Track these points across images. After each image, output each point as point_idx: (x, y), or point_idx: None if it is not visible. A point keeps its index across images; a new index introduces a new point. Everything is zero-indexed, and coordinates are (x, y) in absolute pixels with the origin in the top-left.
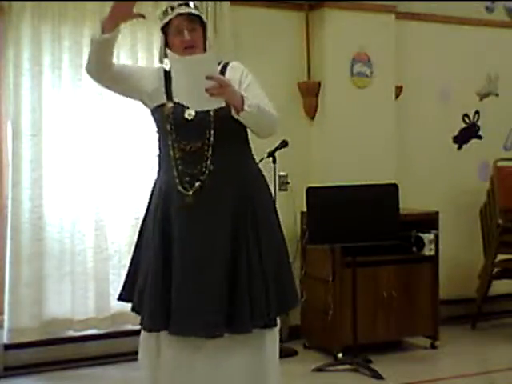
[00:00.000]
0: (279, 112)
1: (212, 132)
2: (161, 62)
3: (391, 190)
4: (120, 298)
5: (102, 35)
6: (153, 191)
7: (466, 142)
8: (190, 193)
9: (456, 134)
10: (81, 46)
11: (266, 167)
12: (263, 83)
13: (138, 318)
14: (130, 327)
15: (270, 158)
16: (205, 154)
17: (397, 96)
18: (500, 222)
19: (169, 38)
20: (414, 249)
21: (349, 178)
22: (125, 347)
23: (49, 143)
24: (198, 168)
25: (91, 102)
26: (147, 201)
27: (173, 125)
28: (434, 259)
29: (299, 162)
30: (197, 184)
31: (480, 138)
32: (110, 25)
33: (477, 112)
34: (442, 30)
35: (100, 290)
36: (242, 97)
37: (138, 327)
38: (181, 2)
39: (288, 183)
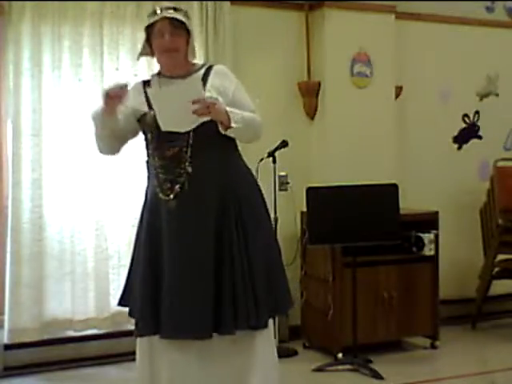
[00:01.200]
0: (279, 112)
1: (191, 135)
2: (138, 58)
3: (391, 190)
4: (120, 304)
5: (103, 117)
6: (144, 199)
7: (466, 142)
8: (171, 197)
9: (456, 134)
10: (81, 46)
11: (265, 167)
12: (263, 83)
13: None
14: (129, 327)
15: (270, 158)
16: (183, 157)
17: (397, 96)
18: (500, 221)
19: (151, 39)
20: (414, 249)
21: (349, 177)
22: (125, 347)
23: (49, 143)
24: (176, 172)
25: (91, 102)
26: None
27: (153, 133)
28: (434, 259)
29: (299, 162)
30: (176, 187)
31: (480, 138)
32: (109, 112)
33: (477, 112)
34: (442, 29)
35: (100, 289)
36: (228, 113)
37: None
38: (169, 6)
39: (288, 183)
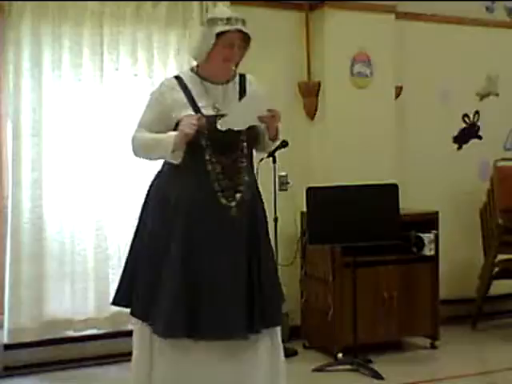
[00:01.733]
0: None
1: (245, 145)
2: (197, 54)
3: (391, 190)
4: (117, 303)
5: (172, 154)
6: (161, 203)
7: (466, 141)
8: (233, 204)
9: (456, 134)
10: (81, 46)
11: (265, 167)
12: (263, 83)
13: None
14: (129, 327)
15: (270, 158)
16: (239, 167)
17: (397, 96)
18: (500, 222)
19: (215, 45)
20: (414, 249)
21: (349, 177)
22: (125, 347)
23: (49, 143)
24: (235, 180)
25: (91, 101)
26: (150, 212)
27: (209, 139)
28: (434, 259)
29: (299, 162)
30: (238, 195)
31: (480, 138)
32: (181, 146)
33: (477, 112)
34: (442, 29)
35: (100, 290)
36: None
37: None
38: (239, 17)
39: (288, 183)
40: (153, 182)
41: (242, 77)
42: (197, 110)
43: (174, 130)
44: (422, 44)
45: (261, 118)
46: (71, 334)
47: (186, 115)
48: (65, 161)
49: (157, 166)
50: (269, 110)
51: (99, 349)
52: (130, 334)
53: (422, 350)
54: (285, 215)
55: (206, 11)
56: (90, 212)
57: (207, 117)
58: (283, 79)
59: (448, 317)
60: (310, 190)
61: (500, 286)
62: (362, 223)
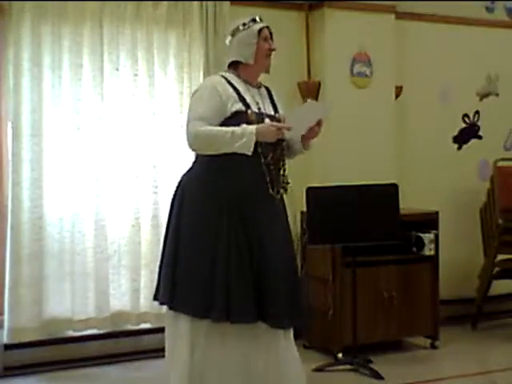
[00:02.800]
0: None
1: (284, 144)
2: (248, 54)
3: (391, 190)
4: (166, 303)
5: (250, 142)
6: (210, 196)
7: (466, 142)
8: (278, 196)
9: (456, 134)
10: (81, 46)
11: None
12: (263, 83)
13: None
14: (129, 327)
15: None
16: (280, 164)
17: (397, 96)
18: (500, 222)
19: (257, 43)
20: (414, 249)
21: (349, 178)
22: (125, 347)
23: (49, 143)
24: (279, 175)
25: (91, 101)
26: (191, 207)
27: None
28: (433, 259)
29: (299, 162)
30: (281, 190)
31: (480, 138)
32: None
33: (477, 112)
34: (442, 29)
35: (100, 290)
36: None
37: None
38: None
39: (288, 183)
40: (189, 179)
41: (268, 89)
42: (246, 105)
43: (227, 122)
44: (422, 44)
45: (312, 128)
46: (71, 333)
47: (268, 123)
48: (65, 161)
49: (158, 165)
50: (318, 122)
51: (99, 349)
52: (129, 334)
53: (421, 349)
54: None
55: (206, 11)
56: (89, 212)
57: (255, 113)
58: (283, 79)
59: (448, 317)
60: (309, 190)
61: (500, 286)
62: (362, 223)
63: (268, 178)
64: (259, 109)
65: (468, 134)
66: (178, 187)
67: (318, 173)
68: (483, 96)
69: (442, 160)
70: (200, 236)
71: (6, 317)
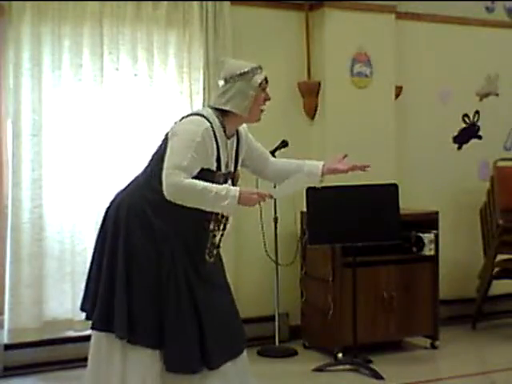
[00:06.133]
0: (279, 112)
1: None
2: (244, 107)
3: (391, 190)
4: (125, 336)
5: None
6: (151, 233)
7: (466, 142)
8: (212, 261)
9: (456, 134)
10: (81, 46)
11: None
12: None
13: None
14: None
15: None
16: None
17: (397, 96)
18: (500, 222)
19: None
20: (414, 249)
21: (349, 178)
22: None
23: (49, 143)
24: (218, 238)
25: (91, 101)
26: (135, 239)
27: None
28: (434, 259)
29: None
30: (215, 252)
31: (480, 138)
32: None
33: (477, 112)
34: (442, 29)
35: None
36: None
37: None
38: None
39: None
40: (134, 212)
41: (237, 133)
42: (219, 165)
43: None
44: (421, 44)
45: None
46: (71, 334)
47: (251, 191)
48: (65, 161)
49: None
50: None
51: None
52: None
53: (421, 350)
54: (285, 215)
55: (206, 11)
56: (90, 212)
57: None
58: (283, 79)
59: (448, 317)
60: (309, 190)
61: (500, 286)
62: (362, 223)
63: (209, 244)
64: (227, 167)
65: (468, 134)
66: (116, 213)
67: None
68: (483, 96)
69: (442, 160)
70: (149, 277)
71: (6, 317)
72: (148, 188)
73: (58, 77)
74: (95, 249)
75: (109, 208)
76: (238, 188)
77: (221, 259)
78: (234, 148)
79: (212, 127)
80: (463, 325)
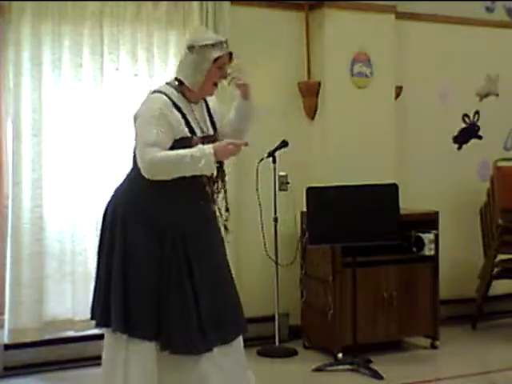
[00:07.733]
0: (279, 112)
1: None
2: (194, 81)
3: (391, 190)
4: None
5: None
6: (147, 231)
7: (466, 142)
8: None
9: (456, 134)
10: (81, 45)
11: (265, 167)
12: (263, 83)
13: None
14: None
15: (270, 158)
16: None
17: (397, 96)
18: (500, 222)
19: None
20: (414, 249)
21: (349, 178)
22: None
23: (49, 143)
24: (216, 199)
25: (91, 101)
26: (133, 232)
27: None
28: (434, 259)
29: (299, 162)
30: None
31: (480, 138)
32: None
33: (477, 112)
34: (442, 29)
35: None
36: None
37: None
38: (227, 40)
39: (288, 183)
40: (128, 207)
41: (205, 100)
42: (192, 130)
43: (172, 146)
44: (422, 44)
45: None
46: (72, 334)
47: (225, 142)
48: (65, 161)
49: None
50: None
51: (99, 349)
52: None
53: (421, 350)
54: (285, 215)
55: (206, 11)
56: (90, 212)
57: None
58: (283, 79)
59: (448, 317)
60: (309, 190)
61: (500, 286)
62: (362, 223)
63: (212, 205)
64: (202, 131)
65: (468, 133)
66: (113, 210)
67: (317, 173)
68: (483, 96)
69: (442, 160)
70: (146, 271)
71: (6, 317)
72: (137, 179)
73: (57, 77)
74: (99, 248)
75: (107, 206)
76: (210, 145)
77: (222, 238)
78: (205, 109)
79: (169, 98)
80: (463, 325)
